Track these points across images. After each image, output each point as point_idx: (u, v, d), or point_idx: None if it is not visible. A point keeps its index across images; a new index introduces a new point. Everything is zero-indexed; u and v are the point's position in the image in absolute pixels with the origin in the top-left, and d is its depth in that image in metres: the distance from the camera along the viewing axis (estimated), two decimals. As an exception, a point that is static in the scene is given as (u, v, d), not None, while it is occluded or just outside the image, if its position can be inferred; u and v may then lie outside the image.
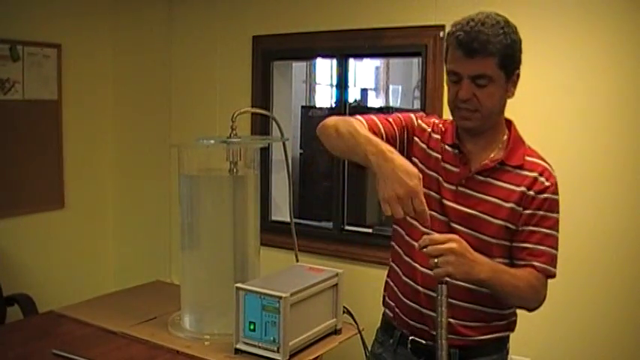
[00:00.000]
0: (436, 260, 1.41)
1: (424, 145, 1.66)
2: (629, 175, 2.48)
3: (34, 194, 3.48)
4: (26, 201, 3.44)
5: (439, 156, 1.63)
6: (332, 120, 1.63)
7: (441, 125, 1.67)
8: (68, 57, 3.56)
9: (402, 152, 1.62)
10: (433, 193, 1.61)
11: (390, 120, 1.67)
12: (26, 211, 3.44)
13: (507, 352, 1.70)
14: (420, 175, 1.39)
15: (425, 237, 1.45)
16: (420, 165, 1.63)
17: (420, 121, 1.69)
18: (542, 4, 2.58)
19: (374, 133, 1.55)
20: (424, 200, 1.38)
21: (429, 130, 1.67)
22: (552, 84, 2.59)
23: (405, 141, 1.67)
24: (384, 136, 1.61)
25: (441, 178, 1.61)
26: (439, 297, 1.42)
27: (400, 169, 1.37)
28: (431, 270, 1.44)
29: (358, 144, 1.47)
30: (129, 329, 2.08)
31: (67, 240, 3.66)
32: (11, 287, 3.05)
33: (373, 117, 1.66)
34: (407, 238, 1.65)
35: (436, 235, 1.45)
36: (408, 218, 1.60)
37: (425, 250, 1.43)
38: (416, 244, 1.58)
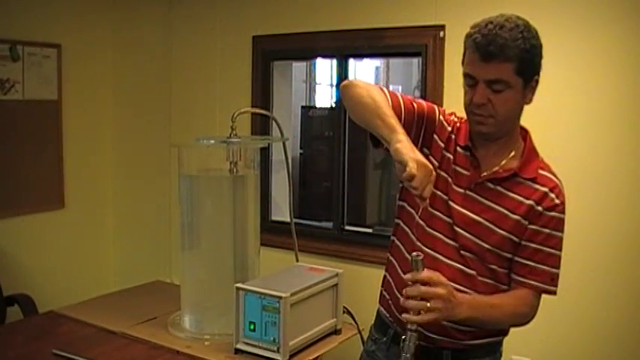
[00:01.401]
0: (429, 305, 1.38)
1: (442, 145, 1.62)
2: (630, 175, 2.48)
3: (34, 194, 3.48)
4: (26, 201, 3.44)
5: (451, 157, 1.60)
6: (360, 87, 1.59)
7: (458, 124, 1.63)
8: (68, 57, 3.56)
9: (416, 140, 1.59)
10: (440, 194, 1.58)
11: (415, 105, 1.61)
12: (26, 211, 3.44)
13: (500, 355, 1.69)
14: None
15: (412, 287, 1.40)
16: (435, 163, 1.60)
17: (442, 118, 1.64)
18: (543, 4, 2.57)
19: (394, 112, 1.52)
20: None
21: (450, 129, 1.62)
22: (553, 84, 2.58)
23: (422, 131, 1.62)
24: (402, 119, 1.55)
25: (450, 180, 1.59)
26: (407, 343, 1.40)
27: (403, 153, 1.36)
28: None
29: (386, 129, 1.45)
30: (129, 329, 2.08)
31: (67, 240, 3.66)
32: (11, 287, 3.05)
33: (399, 97, 1.60)
34: (411, 236, 1.64)
35: (430, 273, 1.40)
36: (417, 218, 1.60)
37: (417, 289, 1.39)
38: (418, 243, 1.58)
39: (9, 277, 3.17)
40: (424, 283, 1.39)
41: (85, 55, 3.68)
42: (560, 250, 1.57)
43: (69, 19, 3.58)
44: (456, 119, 1.65)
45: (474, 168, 1.57)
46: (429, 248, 1.58)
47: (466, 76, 1.49)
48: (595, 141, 2.54)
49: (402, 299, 1.43)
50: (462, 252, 1.56)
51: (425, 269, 1.40)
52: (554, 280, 1.57)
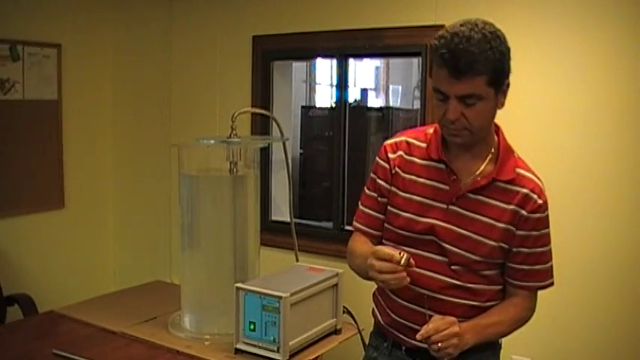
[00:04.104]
0: (440, 344, 1.42)
1: (387, 180, 1.64)
2: (630, 176, 2.48)
3: (34, 194, 3.48)
4: (26, 201, 3.44)
5: (419, 176, 1.59)
6: (350, 255, 1.72)
7: (413, 142, 1.62)
8: (68, 57, 3.56)
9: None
10: (419, 218, 1.57)
11: (375, 197, 1.68)
12: (26, 211, 3.44)
13: (500, 347, 1.69)
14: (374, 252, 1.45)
15: (426, 328, 1.43)
16: (401, 194, 1.61)
17: (379, 174, 1.66)
18: (541, 4, 2.58)
19: (373, 226, 1.68)
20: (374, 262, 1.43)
21: (397, 164, 1.62)
22: (552, 85, 2.59)
23: (389, 192, 1.65)
24: (380, 212, 1.67)
25: (426, 200, 1.56)
26: None
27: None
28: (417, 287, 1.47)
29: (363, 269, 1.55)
30: (129, 329, 2.08)
31: (67, 240, 3.66)
32: (11, 287, 3.05)
33: (365, 210, 1.70)
34: None
35: (437, 324, 1.44)
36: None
37: (431, 339, 1.42)
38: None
39: (9, 277, 3.17)
40: (442, 330, 1.43)
41: (85, 55, 3.68)
42: (550, 243, 1.57)
43: (69, 19, 3.57)
44: (408, 138, 1.64)
45: (453, 181, 1.54)
46: (417, 267, 1.56)
47: (436, 90, 1.45)
48: (595, 142, 2.54)
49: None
50: (452, 267, 1.55)
51: (430, 321, 1.45)
52: (549, 274, 1.58)
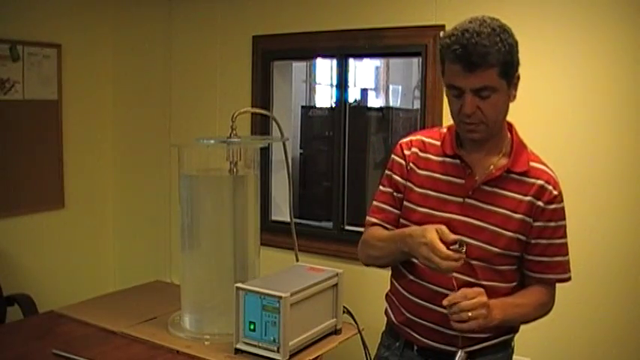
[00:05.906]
0: (470, 314, 1.41)
1: (403, 177, 1.66)
2: (630, 175, 2.48)
3: (34, 194, 3.48)
4: (26, 201, 3.44)
5: (435, 172, 1.61)
6: (363, 242, 1.73)
7: (429, 140, 1.65)
8: (68, 57, 3.56)
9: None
10: (436, 212, 1.58)
11: (391, 192, 1.69)
12: (26, 211, 3.44)
13: (513, 351, 1.70)
14: (432, 228, 1.44)
15: (453, 294, 1.43)
16: (417, 190, 1.62)
17: (396, 174, 1.67)
18: (542, 3, 2.58)
19: (388, 220, 1.68)
20: (440, 247, 1.41)
21: (412, 160, 1.65)
22: (553, 84, 2.59)
23: (404, 190, 1.67)
24: (396, 207, 1.68)
25: (442, 195, 1.58)
26: None
27: (415, 235, 1.47)
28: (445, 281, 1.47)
29: (391, 248, 1.59)
30: (129, 329, 2.08)
31: (67, 240, 3.66)
32: (11, 287, 3.05)
33: (381, 206, 1.70)
34: (412, 259, 1.63)
35: (465, 291, 1.44)
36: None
37: (458, 306, 1.42)
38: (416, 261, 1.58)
39: (9, 277, 3.17)
40: (471, 298, 1.43)
41: (85, 55, 3.68)
42: (566, 236, 1.59)
43: (69, 19, 3.58)
44: (422, 137, 1.67)
45: (468, 175, 1.57)
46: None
47: (450, 86, 1.48)
48: (596, 140, 2.54)
49: (448, 313, 1.46)
50: (471, 262, 1.54)
51: (457, 289, 1.45)
52: (567, 267, 1.60)
